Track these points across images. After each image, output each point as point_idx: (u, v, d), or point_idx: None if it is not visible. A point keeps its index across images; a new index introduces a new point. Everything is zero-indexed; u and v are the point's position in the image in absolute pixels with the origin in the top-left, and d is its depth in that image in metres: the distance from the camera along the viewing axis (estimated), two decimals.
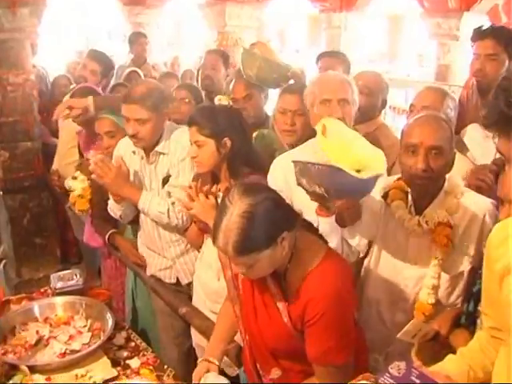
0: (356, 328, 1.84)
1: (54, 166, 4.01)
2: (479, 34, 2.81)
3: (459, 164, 2.34)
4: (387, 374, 1.34)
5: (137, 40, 5.84)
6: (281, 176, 2.31)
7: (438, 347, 1.60)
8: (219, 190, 2.34)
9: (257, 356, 1.94)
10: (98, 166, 2.57)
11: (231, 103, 3.11)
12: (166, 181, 2.65)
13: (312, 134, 2.43)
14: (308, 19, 15.03)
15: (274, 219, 1.62)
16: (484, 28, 2.83)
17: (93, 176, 2.63)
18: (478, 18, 6.19)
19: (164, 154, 2.62)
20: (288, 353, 1.85)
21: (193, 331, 2.62)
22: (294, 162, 1.82)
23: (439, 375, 1.37)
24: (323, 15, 7.64)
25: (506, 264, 1.27)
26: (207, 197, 2.26)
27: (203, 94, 3.79)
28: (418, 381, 1.31)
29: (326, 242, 1.87)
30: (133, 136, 2.55)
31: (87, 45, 8.32)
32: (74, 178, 3.24)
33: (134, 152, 2.71)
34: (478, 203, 1.97)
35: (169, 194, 2.63)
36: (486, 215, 1.93)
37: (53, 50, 8.54)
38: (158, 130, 2.59)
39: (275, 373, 1.87)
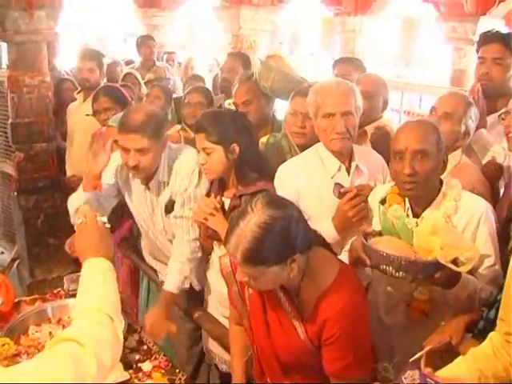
0: None
1: (70, 172, 4.05)
2: (486, 39, 2.81)
3: (466, 169, 2.34)
4: None
5: (145, 43, 5.89)
6: (288, 181, 2.31)
7: (446, 356, 1.58)
8: (223, 196, 2.37)
9: (267, 370, 1.94)
10: None
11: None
12: (168, 207, 2.56)
13: None
14: (322, 22, 15.01)
15: (290, 238, 1.61)
16: (491, 32, 2.82)
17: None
18: (494, 23, 6.13)
19: (165, 181, 2.53)
20: (301, 367, 1.85)
21: (204, 335, 2.62)
22: (380, 254, 1.79)
23: (453, 382, 1.36)
24: (338, 19, 7.63)
25: None
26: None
27: (222, 96, 3.80)
28: None
29: (335, 253, 1.87)
30: (133, 167, 2.40)
31: (102, 47, 8.35)
32: None
33: (131, 178, 2.62)
34: (474, 206, 1.97)
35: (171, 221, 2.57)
36: (482, 217, 1.94)
37: (68, 52, 8.59)
38: (159, 158, 2.47)
39: None
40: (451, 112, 2.36)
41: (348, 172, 2.33)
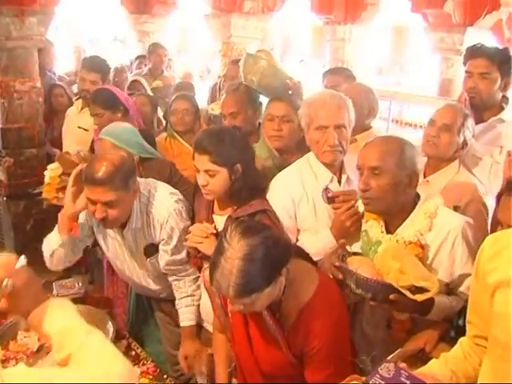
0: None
1: None
2: (472, 53, 2.84)
3: (462, 183, 2.38)
4: (377, 376, 1.37)
5: (155, 51, 5.83)
6: (284, 193, 2.31)
7: (420, 364, 1.62)
8: (213, 213, 2.35)
9: (249, 380, 1.96)
10: None
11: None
12: (148, 251, 2.48)
13: (299, 139, 2.58)
14: (313, 31, 15.10)
15: (273, 258, 1.63)
16: (477, 47, 2.86)
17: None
18: (481, 33, 6.22)
19: (139, 228, 2.43)
20: (284, 379, 1.88)
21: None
22: (345, 270, 1.83)
23: (427, 376, 1.40)
24: (328, 27, 7.69)
25: (500, 277, 1.30)
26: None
27: None
28: (407, 381, 1.34)
29: (314, 263, 1.89)
30: (101, 220, 2.27)
31: (96, 51, 8.37)
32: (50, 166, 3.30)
33: None
34: (450, 224, 1.97)
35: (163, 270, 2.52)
36: (458, 236, 1.94)
37: (62, 57, 8.61)
38: (129, 207, 2.34)
39: None
40: (450, 124, 2.42)
41: (339, 183, 2.36)
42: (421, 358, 1.78)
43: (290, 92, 3.02)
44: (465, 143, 2.45)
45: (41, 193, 3.34)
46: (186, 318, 2.50)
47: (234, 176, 2.22)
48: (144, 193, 2.42)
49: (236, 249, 1.59)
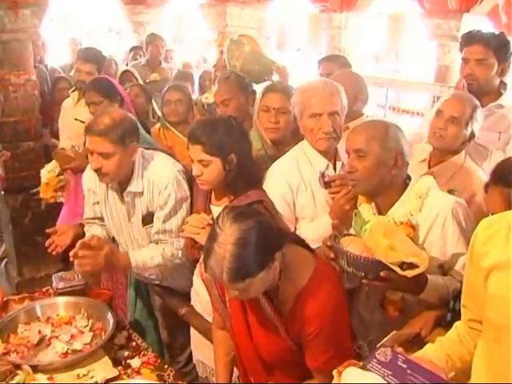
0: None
1: None
2: (468, 40, 2.83)
3: (469, 173, 2.38)
4: (374, 360, 1.37)
5: (152, 41, 5.76)
6: (281, 182, 2.32)
7: (416, 348, 1.64)
8: (210, 203, 2.35)
9: (250, 369, 1.98)
10: (77, 257, 2.33)
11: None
12: (146, 219, 2.52)
13: (295, 130, 2.56)
14: (309, 19, 15.04)
15: (266, 243, 1.63)
16: (472, 33, 2.84)
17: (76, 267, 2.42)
18: (477, 19, 6.20)
19: (139, 193, 2.48)
20: (284, 366, 1.89)
21: (193, 347, 2.61)
22: (337, 249, 1.85)
23: (424, 360, 1.41)
24: (324, 15, 7.66)
25: (493, 260, 1.31)
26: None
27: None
28: (404, 365, 1.35)
29: (311, 250, 1.90)
30: (96, 170, 2.37)
31: (92, 42, 8.34)
32: (45, 167, 3.36)
33: (107, 185, 2.57)
34: (441, 204, 1.98)
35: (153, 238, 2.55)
36: (449, 216, 1.96)
37: (57, 49, 8.56)
38: (125, 166, 2.40)
39: None
40: (458, 116, 2.39)
41: (335, 170, 2.38)
42: (417, 342, 1.78)
43: (274, 77, 3.03)
44: (472, 135, 2.43)
45: (38, 192, 3.35)
46: (135, 257, 2.49)
47: (228, 166, 2.21)
48: (147, 159, 2.50)
49: (228, 234, 1.60)
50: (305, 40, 15.77)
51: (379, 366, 1.36)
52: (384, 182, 1.99)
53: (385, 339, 1.63)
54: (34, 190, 3.43)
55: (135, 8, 7.82)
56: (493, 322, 1.33)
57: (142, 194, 2.48)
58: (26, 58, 4.25)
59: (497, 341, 1.31)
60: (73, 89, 4.13)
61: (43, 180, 3.29)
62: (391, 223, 1.93)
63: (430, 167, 2.52)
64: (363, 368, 1.37)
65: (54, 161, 3.33)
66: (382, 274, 1.76)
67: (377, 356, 1.38)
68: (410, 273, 1.75)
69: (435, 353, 1.52)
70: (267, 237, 1.64)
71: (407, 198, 1.99)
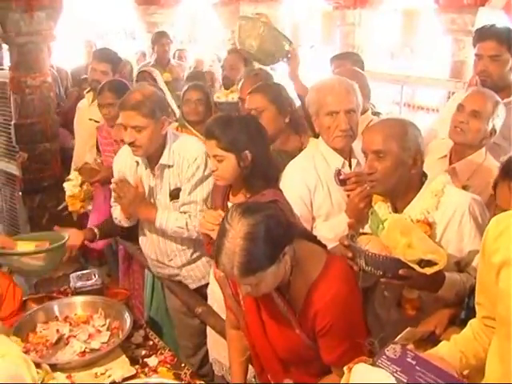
0: None
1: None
2: (481, 36, 2.79)
3: (488, 172, 2.35)
4: (384, 357, 1.38)
5: (158, 40, 5.74)
6: (299, 182, 2.32)
7: (430, 347, 1.63)
8: (228, 200, 2.34)
9: (267, 367, 1.98)
10: (118, 187, 2.54)
11: (236, 100, 3.12)
12: (173, 194, 2.61)
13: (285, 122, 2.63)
14: (322, 16, 14.99)
15: (275, 236, 1.64)
16: (486, 29, 2.80)
17: (113, 197, 2.64)
18: (493, 13, 6.13)
19: (169, 166, 2.58)
20: (301, 361, 1.88)
21: (210, 346, 2.62)
22: (354, 248, 1.84)
23: (433, 357, 1.41)
24: (337, 12, 7.63)
25: (504, 257, 1.31)
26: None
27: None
28: (413, 362, 1.35)
29: (324, 246, 1.89)
30: (130, 144, 2.50)
31: (105, 44, 8.38)
32: (69, 179, 3.33)
33: (137, 162, 2.66)
34: (457, 201, 1.97)
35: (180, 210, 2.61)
36: (466, 213, 1.94)
37: (71, 51, 8.63)
38: (157, 139, 2.53)
39: (287, 383, 1.89)
40: (480, 110, 2.38)
41: (350, 167, 2.37)
42: (431, 340, 1.77)
43: (285, 59, 2.97)
44: (493, 131, 2.41)
45: (66, 207, 3.37)
46: (163, 218, 2.58)
47: (242, 163, 2.21)
48: (177, 136, 2.67)
49: (237, 229, 1.61)
50: (318, 37, 15.71)
51: (388, 363, 1.36)
52: (403, 181, 1.98)
53: (399, 336, 1.63)
54: (61, 207, 3.45)
55: (148, 9, 7.85)
56: (504, 318, 1.33)
57: (171, 167, 2.58)
58: (42, 60, 4.30)
59: (508, 337, 1.31)
60: (88, 89, 4.15)
61: (68, 193, 3.29)
62: (408, 221, 1.92)
63: (451, 163, 2.50)
64: (373, 364, 1.37)
65: (75, 172, 3.34)
66: (400, 272, 1.75)
67: (386, 352, 1.39)
68: (428, 270, 1.74)
69: (449, 350, 1.51)
70: (276, 230, 1.64)
71: (423, 196, 1.98)
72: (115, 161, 2.82)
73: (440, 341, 1.68)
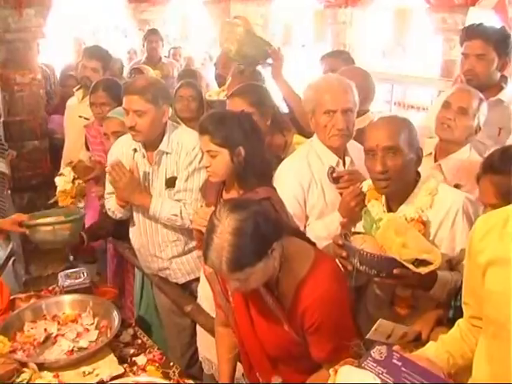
0: None
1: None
2: (468, 35, 2.80)
3: (474, 167, 2.36)
4: (370, 358, 1.38)
5: (149, 38, 5.75)
6: (293, 180, 2.31)
7: (419, 348, 1.63)
8: (221, 197, 2.33)
9: (256, 365, 1.98)
10: (114, 170, 2.55)
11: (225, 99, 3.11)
12: (169, 182, 2.63)
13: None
14: (314, 15, 14.99)
15: (263, 232, 1.64)
16: (472, 28, 2.81)
17: (107, 180, 2.65)
18: (483, 13, 6.16)
19: (167, 153, 2.61)
20: (290, 358, 1.88)
21: (199, 344, 2.62)
22: (349, 247, 1.83)
23: (420, 358, 1.41)
24: (328, 11, 7.64)
25: (490, 256, 1.32)
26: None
27: None
28: (399, 363, 1.35)
29: (313, 244, 1.90)
30: (131, 128, 2.53)
31: (96, 41, 8.33)
32: (61, 174, 3.29)
33: (135, 150, 2.68)
34: (452, 200, 1.98)
35: (175, 197, 2.63)
36: (460, 211, 1.95)
37: (60, 48, 8.57)
38: (157, 125, 2.57)
39: (276, 380, 1.90)
40: (466, 107, 2.39)
41: (344, 166, 2.37)
42: (419, 341, 1.78)
43: (269, 61, 2.99)
44: (478, 127, 2.43)
45: (56, 202, 3.33)
46: (160, 206, 2.59)
47: (235, 158, 2.21)
48: (176, 126, 2.72)
49: (226, 224, 1.61)
50: (311, 36, 15.72)
51: (374, 364, 1.36)
52: (409, 179, 1.98)
53: (373, 328, 1.63)
54: (52, 201, 3.40)
55: (139, 6, 7.81)
56: (491, 318, 1.33)
57: (169, 154, 2.62)
58: (31, 57, 4.26)
59: (495, 337, 1.31)
60: (78, 87, 4.13)
61: (59, 188, 3.24)
62: (402, 220, 1.92)
63: (435, 161, 2.51)
64: (359, 366, 1.37)
65: (67, 167, 3.31)
66: (395, 271, 1.75)
67: (372, 354, 1.38)
68: (423, 270, 1.75)
69: (436, 351, 1.52)
70: (265, 226, 1.64)
71: (417, 194, 1.98)
72: (111, 149, 2.83)
73: (428, 341, 1.69)
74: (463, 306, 1.52)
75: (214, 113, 2.41)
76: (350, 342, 1.71)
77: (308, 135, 2.79)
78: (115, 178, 2.56)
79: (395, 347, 1.42)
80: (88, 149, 3.54)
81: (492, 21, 5.65)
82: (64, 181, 3.24)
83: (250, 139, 2.24)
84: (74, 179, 3.24)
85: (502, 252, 1.28)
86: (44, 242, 2.77)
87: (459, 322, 1.56)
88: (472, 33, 2.78)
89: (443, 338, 1.56)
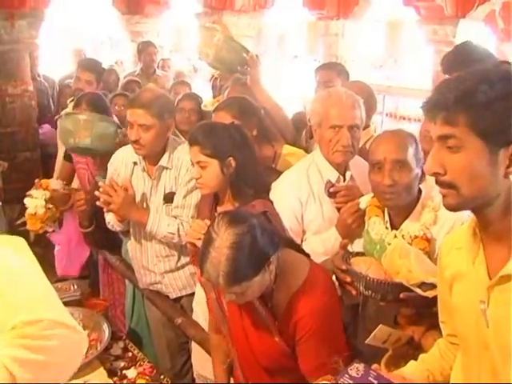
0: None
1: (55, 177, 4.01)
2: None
3: None
4: (346, 375, 1.39)
5: (145, 49, 5.68)
6: (291, 194, 2.26)
7: (411, 351, 1.63)
8: (216, 211, 2.30)
9: (249, 375, 1.97)
10: (103, 192, 2.49)
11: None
12: (167, 197, 2.61)
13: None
14: (307, 26, 15.08)
15: (261, 246, 1.64)
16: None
17: (99, 203, 2.55)
18: (474, 25, 6.22)
19: (167, 168, 2.59)
20: (281, 369, 1.88)
21: (194, 360, 2.59)
22: (353, 273, 1.80)
23: (396, 376, 1.42)
24: (321, 23, 7.67)
25: (455, 270, 1.33)
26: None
27: None
28: (375, 381, 1.36)
29: (308, 256, 1.89)
30: (135, 142, 2.51)
31: (92, 54, 8.33)
32: (29, 195, 3.12)
33: (135, 163, 2.66)
34: (455, 215, 1.91)
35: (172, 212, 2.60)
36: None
37: (55, 60, 8.57)
38: (161, 140, 2.56)
39: None
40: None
41: (344, 181, 2.32)
42: (412, 345, 1.77)
43: (246, 67, 2.97)
44: None
45: (24, 223, 3.13)
46: (156, 224, 2.55)
47: (226, 170, 2.18)
48: (177, 141, 2.70)
49: (223, 238, 1.61)
50: (303, 48, 15.81)
51: (351, 382, 1.37)
52: (414, 193, 1.94)
53: (372, 334, 1.62)
54: (20, 221, 3.18)
55: (132, 18, 7.84)
56: (459, 332, 1.35)
57: (169, 170, 2.61)
58: (23, 68, 4.28)
59: (465, 352, 1.34)
60: (71, 99, 4.12)
61: (30, 211, 3.05)
62: (405, 243, 1.87)
63: None
64: (335, 383, 1.38)
65: (40, 189, 3.13)
66: (401, 295, 1.72)
67: (349, 371, 1.40)
68: (431, 293, 1.70)
69: (416, 368, 1.53)
70: (262, 240, 1.65)
71: (420, 209, 1.94)
72: (112, 159, 2.80)
73: (420, 345, 1.68)
74: (440, 325, 1.53)
75: (204, 123, 2.39)
76: (340, 354, 1.71)
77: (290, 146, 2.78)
78: (106, 200, 2.50)
79: (373, 366, 1.42)
80: (70, 160, 3.47)
81: (482, 32, 5.70)
82: (36, 204, 3.06)
83: (241, 150, 2.21)
84: (47, 202, 3.08)
85: (463, 266, 1.29)
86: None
87: (439, 341, 1.58)
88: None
89: (423, 357, 1.57)
